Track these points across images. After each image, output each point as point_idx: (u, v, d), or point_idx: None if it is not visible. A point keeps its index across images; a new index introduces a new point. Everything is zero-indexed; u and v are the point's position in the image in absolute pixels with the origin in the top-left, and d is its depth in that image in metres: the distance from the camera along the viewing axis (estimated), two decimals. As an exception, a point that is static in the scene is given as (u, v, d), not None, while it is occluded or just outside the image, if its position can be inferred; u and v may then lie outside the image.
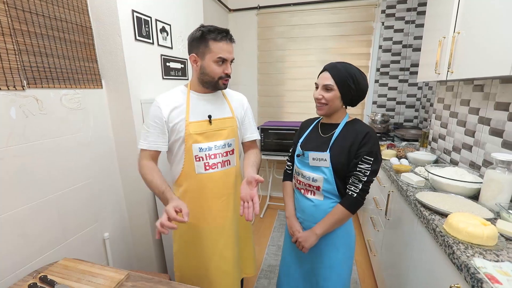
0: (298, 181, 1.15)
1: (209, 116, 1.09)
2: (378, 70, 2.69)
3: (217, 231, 1.16)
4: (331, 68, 1.03)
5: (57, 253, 1.15)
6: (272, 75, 3.00)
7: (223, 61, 1.03)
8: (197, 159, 1.07)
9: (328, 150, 1.04)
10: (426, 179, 1.32)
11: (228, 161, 1.15)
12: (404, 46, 2.60)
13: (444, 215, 0.99)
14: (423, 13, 2.34)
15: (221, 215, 1.16)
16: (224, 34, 1.02)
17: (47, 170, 1.10)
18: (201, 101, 1.10)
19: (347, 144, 1.02)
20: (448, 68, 1.30)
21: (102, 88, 1.35)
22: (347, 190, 1.03)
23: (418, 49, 2.43)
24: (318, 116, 1.17)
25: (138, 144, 1.07)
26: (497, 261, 0.75)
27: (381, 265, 1.67)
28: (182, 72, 1.81)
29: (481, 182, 1.10)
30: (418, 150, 1.85)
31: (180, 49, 1.77)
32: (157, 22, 1.50)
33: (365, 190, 1.01)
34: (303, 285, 1.21)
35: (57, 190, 1.15)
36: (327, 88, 1.03)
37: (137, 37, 1.36)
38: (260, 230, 2.54)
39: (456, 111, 1.56)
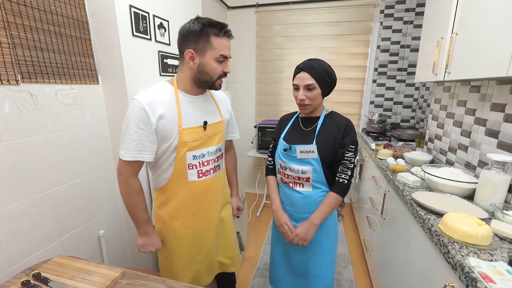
0: (286, 175, 1.17)
1: (205, 122, 1.01)
2: (376, 70, 2.69)
3: (202, 233, 1.11)
4: (309, 68, 1.04)
5: (51, 250, 1.13)
6: (270, 74, 2.99)
7: (224, 59, 0.95)
8: (190, 167, 1.00)
9: (314, 142, 1.09)
10: (422, 179, 1.33)
11: (218, 166, 1.12)
12: (402, 47, 2.61)
13: (439, 214, 0.99)
14: (421, 13, 2.35)
15: (208, 218, 1.11)
16: (226, 30, 0.93)
17: (42, 166, 1.08)
18: (192, 104, 0.99)
19: (331, 135, 1.09)
20: (446, 69, 1.30)
21: (98, 84, 1.33)
22: (337, 178, 1.10)
23: (416, 50, 2.44)
24: (295, 111, 1.24)
25: (120, 153, 0.92)
26: (491, 260, 0.76)
27: (377, 264, 1.68)
28: (180, 69, 1.79)
29: (476, 183, 1.11)
30: (414, 150, 1.86)
31: (178, 46, 1.75)
32: (155, 18, 1.49)
33: (352, 175, 1.10)
34: (295, 276, 1.25)
35: (52, 186, 1.13)
36: (309, 87, 1.05)
37: (135, 33, 1.34)
38: (256, 228, 2.54)
39: (453, 112, 1.57)
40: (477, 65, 1.07)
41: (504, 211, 0.95)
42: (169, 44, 1.64)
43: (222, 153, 1.14)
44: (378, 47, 2.64)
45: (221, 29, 0.91)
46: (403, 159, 1.67)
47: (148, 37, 1.45)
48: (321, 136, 1.10)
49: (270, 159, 1.28)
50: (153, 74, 1.53)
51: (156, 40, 1.52)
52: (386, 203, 1.51)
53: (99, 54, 1.31)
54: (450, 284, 0.80)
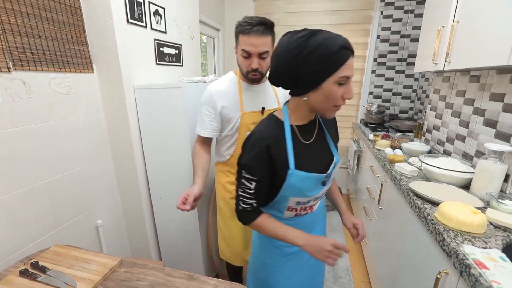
0: (304, 208, 0.87)
1: (263, 108, 1.17)
2: (375, 60, 2.67)
3: None
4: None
5: (49, 240, 1.13)
6: (269, 64, 2.95)
7: (249, 54, 1.03)
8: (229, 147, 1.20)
9: (335, 151, 0.87)
10: (419, 169, 1.34)
11: None
12: (402, 36, 2.58)
13: (436, 203, 1.00)
14: (423, 2, 2.30)
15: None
16: (250, 27, 0.99)
17: (37, 156, 1.07)
18: (252, 92, 1.16)
19: (333, 133, 0.90)
20: (446, 58, 1.29)
21: (93, 72, 1.30)
22: None
23: (416, 40, 2.41)
24: (269, 119, 0.81)
25: (196, 129, 1.19)
26: (485, 247, 0.77)
27: (373, 253, 1.70)
28: (177, 58, 1.76)
29: (473, 172, 1.12)
30: (412, 141, 1.86)
31: (174, 34, 1.72)
32: (150, 4, 1.45)
33: None
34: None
35: (48, 176, 1.12)
36: None
37: (129, 20, 1.31)
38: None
39: (452, 102, 1.56)
40: (477, 54, 1.06)
41: (500, 200, 0.96)
42: (165, 32, 1.61)
43: None
44: (378, 37, 2.60)
45: (246, 27, 1.00)
46: (401, 149, 1.67)
47: (144, 24, 1.42)
48: (332, 140, 0.88)
49: (250, 201, 0.80)
50: (149, 62, 1.50)
51: (152, 28, 1.49)
52: (383, 193, 1.52)
53: (93, 42, 1.28)
54: (444, 271, 0.81)
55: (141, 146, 1.46)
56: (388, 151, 1.65)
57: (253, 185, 0.77)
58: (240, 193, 0.80)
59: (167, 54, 1.66)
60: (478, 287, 0.65)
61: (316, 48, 0.65)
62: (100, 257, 0.96)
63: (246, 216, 0.83)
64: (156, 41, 1.53)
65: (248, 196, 0.79)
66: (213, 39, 2.86)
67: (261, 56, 1.05)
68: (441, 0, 1.41)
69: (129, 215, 1.56)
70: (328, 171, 0.82)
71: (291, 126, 0.78)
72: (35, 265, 0.88)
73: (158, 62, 1.57)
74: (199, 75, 2.11)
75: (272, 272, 0.92)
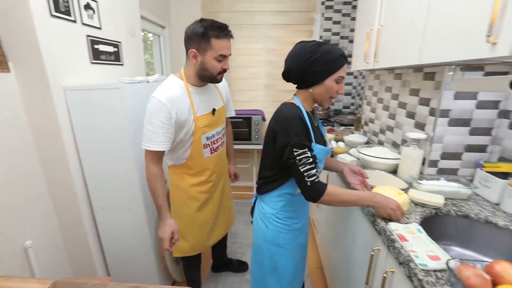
0: None
1: (213, 109, 1.23)
2: (319, 59, 2.84)
3: (214, 197, 1.38)
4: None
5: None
6: (219, 63, 2.93)
7: (223, 58, 1.09)
8: (205, 147, 1.23)
9: (326, 135, 1.11)
10: (358, 158, 1.47)
11: (223, 142, 1.37)
12: (342, 38, 2.79)
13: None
14: (356, 7, 2.53)
15: (217, 184, 1.38)
16: (226, 32, 1.07)
17: None
18: (200, 95, 1.18)
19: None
20: (375, 58, 1.44)
21: (9, 71, 1.14)
22: None
23: (353, 41, 2.63)
24: (288, 103, 0.97)
25: (143, 145, 1.10)
26: (407, 223, 0.88)
27: (324, 239, 1.82)
28: (116, 57, 1.64)
29: (399, 159, 1.27)
30: (353, 133, 2.04)
31: (112, 30, 1.59)
32: (79, -3, 1.31)
33: None
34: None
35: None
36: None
37: (54, 13, 1.17)
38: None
39: (382, 97, 1.75)
40: (397, 55, 1.21)
41: (418, 181, 1.11)
42: (99, 28, 1.48)
43: (225, 130, 1.38)
44: (321, 37, 2.78)
45: (221, 32, 1.06)
46: (343, 142, 1.82)
47: (73, 18, 1.28)
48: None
49: (314, 171, 0.88)
50: (82, 61, 1.37)
51: (83, 23, 1.35)
52: (329, 183, 1.63)
53: (9, 38, 1.11)
54: (377, 248, 0.91)
55: (77, 153, 1.32)
56: (332, 144, 1.78)
57: (309, 153, 0.88)
58: (302, 170, 0.87)
59: (104, 52, 1.53)
60: (400, 257, 0.74)
61: (324, 54, 0.87)
62: (28, 283, 0.84)
63: (317, 189, 0.88)
64: (89, 38, 1.40)
65: (310, 166, 0.87)
66: (159, 36, 2.72)
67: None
68: (369, 6, 1.57)
69: (66, 230, 1.40)
70: (330, 146, 1.02)
71: (306, 111, 0.96)
72: None
73: (93, 61, 1.44)
74: (143, 74, 1.99)
75: (286, 252, 1.07)
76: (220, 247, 1.76)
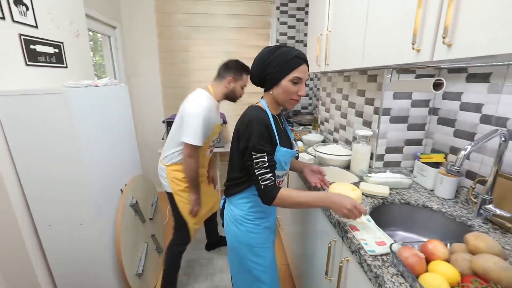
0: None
1: (224, 121, 1.58)
2: (277, 62, 2.92)
3: (206, 184, 1.76)
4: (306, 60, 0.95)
5: None
6: (176, 65, 2.85)
7: (244, 87, 1.54)
8: (209, 147, 1.60)
9: (293, 137, 1.16)
10: (315, 156, 1.55)
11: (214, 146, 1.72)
12: (297, 42, 2.92)
13: (326, 184, 1.18)
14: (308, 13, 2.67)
15: (204, 175, 1.72)
16: (249, 71, 1.40)
17: None
18: (217, 108, 1.55)
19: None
20: (325, 61, 1.53)
21: None
22: None
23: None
24: (255, 106, 1.00)
25: (190, 141, 1.37)
26: (358, 214, 0.96)
27: (289, 237, 1.88)
28: (58, 58, 1.49)
29: (351, 155, 1.37)
30: (310, 132, 2.14)
31: (51, 30, 1.44)
32: (8, -9, 1.17)
33: None
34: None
35: None
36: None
37: (-25, 9, 1.03)
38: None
39: (334, 98, 1.87)
40: (344, 58, 1.31)
41: (368, 174, 1.21)
42: (36, 27, 1.34)
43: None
44: (277, 41, 2.87)
45: (248, 70, 1.47)
46: (302, 141, 1.90)
47: (0, 15, 1.14)
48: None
49: (268, 175, 0.90)
50: (15, 63, 1.22)
51: (13, 20, 1.21)
52: (289, 183, 1.70)
53: None
54: (333, 240, 0.97)
55: (14, 171, 1.18)
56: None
57: (266, 158, 0.89)
58: (257, 173, 0.89)
59: (43, 53, 1.38)
60: (352, 246, 0.80)
61: (279, 56, 0.91)
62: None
63: (269, 192, 0.89)
64: (22, 37, 1.25)
65: (265, 170, 0.89)
66: (109, 37, 2.55)
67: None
68: (318, 12, 1.67)
69: (2, 254, 1.23)
70: (296, 148, 1.07)
71: (272, 114, 0.99)
72: None
73: (29, 63, 1.29)
74: (91, 78, 1.85)
75: (260, 251, 1.08)
76: (212, 226, 2.04)
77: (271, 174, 0.90)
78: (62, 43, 1.53)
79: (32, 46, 1.31)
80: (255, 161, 0.89)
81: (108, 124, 1.47)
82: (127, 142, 1.72)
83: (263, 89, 1.02)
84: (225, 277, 1.82)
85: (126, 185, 1.60)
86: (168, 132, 2.46)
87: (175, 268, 1.65)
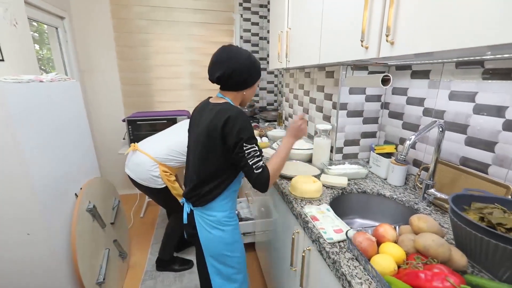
0: None
1: None
2: (242, 59, 2.92)
3: None
4: None
5: None
6: (136, 61, 2.69)
7: None
8: None
9: None
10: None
11: None
12: (261, 38, 2.93)
13: (290, 178, 1.21)
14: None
15: None
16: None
17: None
18: None
19: None
20: (286, 58, 1.57)
21: None
22: None
23: (271, 42, 2.80)
24: (227, 103, 1.07)
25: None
26: (319, 205, 1.00)
27: (257, 228, 1.90)
28: (-9, 51, 1.32)
29: (312, 148, 1.42)
30: (275, 128, 2.18)
31: (-19, 18, 1.27)
32: None
33: None
34: None
35: None
36: None
37: None
38: (140, 230, 2.33)
39: (297, 94, 1.92)
40: (303, 55, 1.34)
41: (328, 167, 1.27)
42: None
43: None
44: (241, 37, 2.86)
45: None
46: (267, 137, 1.93)
47: None
48: None
49: (260, 163, 0.95)
50: None
51: None
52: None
53: None
54: (296, 231, 1.01)
55: None
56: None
57: (256, 147, 0.95)
58: (250, 162, 0.92)
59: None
60: (313, 235, 0.84)
61: (256, 62, 1.04)
62: None
63: (263, 178, 0.94)
64: None
65: (258, 159, 0.94)
66: (56, 29, 2.32)
67: None
68: (279, 10, 1.69)
69: None
70: None
71: None
72: None
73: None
74: (36, 73, 1.67)
75: (240, 244, 1.15)
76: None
77: (262, 161, 0.95)
78: (-5, 34, 1.35)
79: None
80: (246, 152, 0.92)
81: (57, 124, 1.35)
82: (81, 142, 1.59)
83: (219, 86, 1.07)
84: (194, 278, 1.79)
85: (81, 188, 1.48)
86: (131, 131, 2.33)
87: (176, 237, 1.84)
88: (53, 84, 1.36)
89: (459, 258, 0.63)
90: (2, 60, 1.39)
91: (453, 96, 0.98)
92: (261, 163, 0.94)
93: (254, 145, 0.94)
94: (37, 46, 2.39)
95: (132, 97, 2.77)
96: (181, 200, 1.19)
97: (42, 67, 2.43)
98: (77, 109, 1.57)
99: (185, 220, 1.13)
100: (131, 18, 2.58)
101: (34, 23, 2.17)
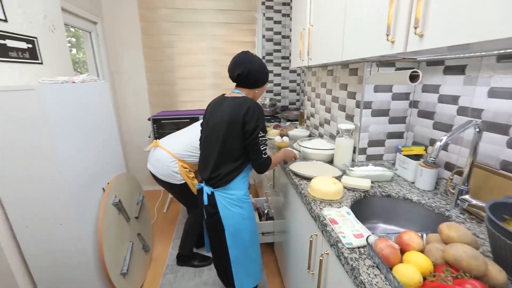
0: None
1: None
2: (263, 57, 2.91)
3: None
4: None
5: None
6: (162, 62, 2.79)
7: None
8: None
9: None
10: (299, 151, 1.54)
11: None
12: (283, 37, 2.90)
13: (309, 179, 1.17)
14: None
15: None
16: None
17: None
18: None
19: None
20: (308, 56, 1.52)
21: None
22: None
23: (294, 40, 2.76)
24: (248, 97, 1.25)
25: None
26: (339, 207, 0.96)
27: (276, 228, 1.88)
28: (31, 54, 1.43)
29: (334, 149, 1.37)
30: (297, 128, 2.14)
31: (23, 24, 1.38)
32: (-27, -17, 1.11)
33: None
34: None
35: None
36: None
37: None
38: (163, 226, 2.41)
39: (319, 92, 1.87)
40: (326, 52, 1.30)
41: (350, 168, 1.21)
42: (5, 20, 1.27)
43: None
44: (263, 36, 2.84)
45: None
46: (288, 136, 1.90)
47: (-36, 8, 1.08)
48: None
49: (266, 150, 1.21)
50: (-18, 59, 1.16)
51: (-21, 14, 1.15)
52: (275, 178, 1.69)
53: None
54: (314, 234, 0.97)
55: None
56: (277, 139, 1.83)
57: (266, 137, 1.18)
58: (262, 148, 1.16)
59: (14, 49, 1.32)
60: (331, 239, 0.80)
61: (265, 66, 1.25)
62: None
63: (267, 160, 1.21)
64: (-10, 32, 1.19)
65: (266, 146, 1.18)
66: (90, 33, 2.47)
67: None
68: (301, 7, 1.66)
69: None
70: None
71: None
72: None
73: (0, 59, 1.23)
74: (70, 74, 1.79)
75: (253, 219, 1.33)
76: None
77: (267, 149, 1.21)
78: (35, 38, 1.46)
79: (2, 41, 1.25)
80: (260, 139, 1.14)
81: (87, 122, 1.42)
82: (109, 140, 1.68)
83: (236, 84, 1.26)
84: (213, 274, 1.81)
85: (108, 183, 1.56)
86: (156, 130, 2.42)
87: (195, 233, 1.87)
88: (84, 85, 1.44)
89: (497, 273, 0.56)
90: (41, 63, 1.51)
91: (493, 93, 0.88)
92: (267, 150, 1.19)
93: (265, 135, 1.16)
94: (74, 50, 2.57)
95: (157, 97, 2.88)
96: (197, 185, 1.35)
97: (78, 70, 2.61)
98: (106, 108, 1.66)
99: (205, 202, 1.25)
100: (156, 20, 2.68)
101: (72, 29, 2.33)
